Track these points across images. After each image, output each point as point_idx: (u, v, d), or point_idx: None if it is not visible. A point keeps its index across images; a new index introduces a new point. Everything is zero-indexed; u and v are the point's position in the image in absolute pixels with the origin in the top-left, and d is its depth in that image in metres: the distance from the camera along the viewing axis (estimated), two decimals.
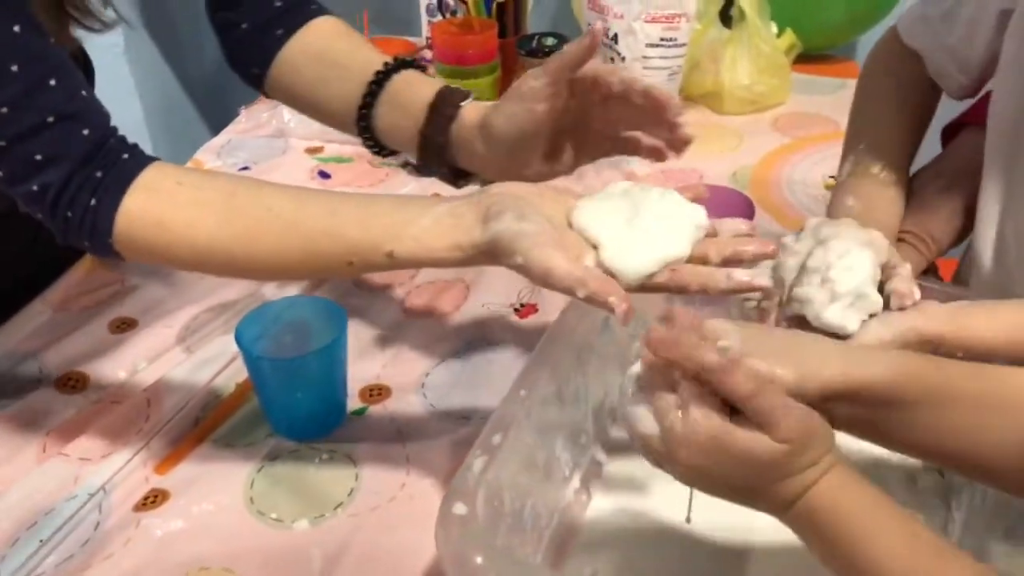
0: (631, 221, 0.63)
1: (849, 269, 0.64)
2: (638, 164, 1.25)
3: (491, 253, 0.64)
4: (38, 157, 0.66)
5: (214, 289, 1.01)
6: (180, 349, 0.94)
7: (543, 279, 0.61)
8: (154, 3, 1.95)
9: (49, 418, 0.86)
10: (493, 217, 0.63)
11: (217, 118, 1.63)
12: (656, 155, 0.76)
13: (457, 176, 0.83)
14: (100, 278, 1.04)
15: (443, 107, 0.80)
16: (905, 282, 0.65)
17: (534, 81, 0.73)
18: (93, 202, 0.68)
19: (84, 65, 1.04)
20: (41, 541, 0.74)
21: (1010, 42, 0.77)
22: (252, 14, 0.88)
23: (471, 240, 0.64)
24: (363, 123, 0.85)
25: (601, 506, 0.75)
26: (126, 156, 0.70)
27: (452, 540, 0.52)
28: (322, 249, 0.69)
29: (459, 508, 0.54)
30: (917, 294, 0.64)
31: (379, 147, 0.87)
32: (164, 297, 1.01)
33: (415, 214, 0.67)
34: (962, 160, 0.80)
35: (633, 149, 0.78)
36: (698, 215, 0.64)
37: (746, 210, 0.96)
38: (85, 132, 0.68)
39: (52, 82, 0.67)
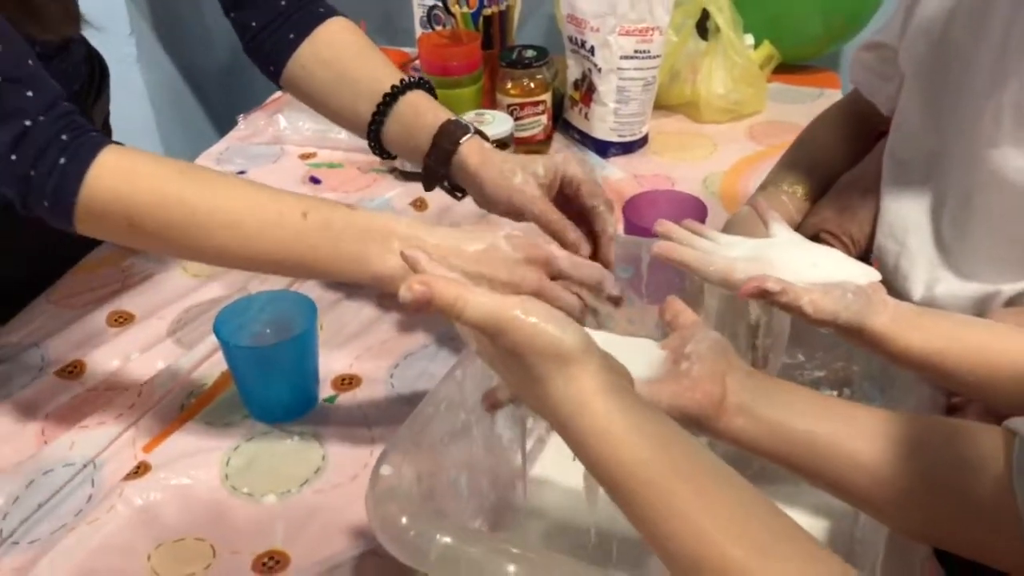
0: None
1: None
2: (611, 169, 1.32)
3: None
4: None
5: (204, 285, 1.09)
6: (171, 341, 1.01)
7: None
8: (165, 13, 2.04)
9: (49, 403, 0.93)
10: None
11: (224, 122, 1.71)
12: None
13: (456, 190, 0.92)
14: (101, 277, 1.11)
15: (444, 143, 0.88)
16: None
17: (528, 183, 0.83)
18: (63, 160, 0.71)
19: (101, 69, 1.12)
20: (39, 504, 0.81)
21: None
22: (260, 13, 0.94)
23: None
24: (373, 139, 0.93)
25: (541, 478, 0.81)
26: (94, 134, 0.75)
27: (378, 499, 0.58)
28: (283, 196, 0.77)
29: (386, 469, 0.59)
30: None
31: (389, 156, 0.96)
32: (159, 293, 1.08)
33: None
34: (880, 164, 0.85)
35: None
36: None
37: (698, 212, 1.02)
38: (29, 94, 0.72)
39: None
